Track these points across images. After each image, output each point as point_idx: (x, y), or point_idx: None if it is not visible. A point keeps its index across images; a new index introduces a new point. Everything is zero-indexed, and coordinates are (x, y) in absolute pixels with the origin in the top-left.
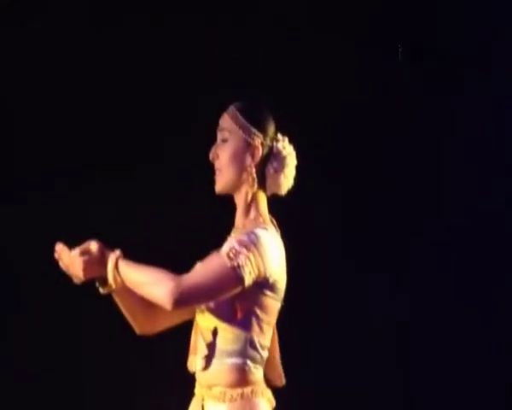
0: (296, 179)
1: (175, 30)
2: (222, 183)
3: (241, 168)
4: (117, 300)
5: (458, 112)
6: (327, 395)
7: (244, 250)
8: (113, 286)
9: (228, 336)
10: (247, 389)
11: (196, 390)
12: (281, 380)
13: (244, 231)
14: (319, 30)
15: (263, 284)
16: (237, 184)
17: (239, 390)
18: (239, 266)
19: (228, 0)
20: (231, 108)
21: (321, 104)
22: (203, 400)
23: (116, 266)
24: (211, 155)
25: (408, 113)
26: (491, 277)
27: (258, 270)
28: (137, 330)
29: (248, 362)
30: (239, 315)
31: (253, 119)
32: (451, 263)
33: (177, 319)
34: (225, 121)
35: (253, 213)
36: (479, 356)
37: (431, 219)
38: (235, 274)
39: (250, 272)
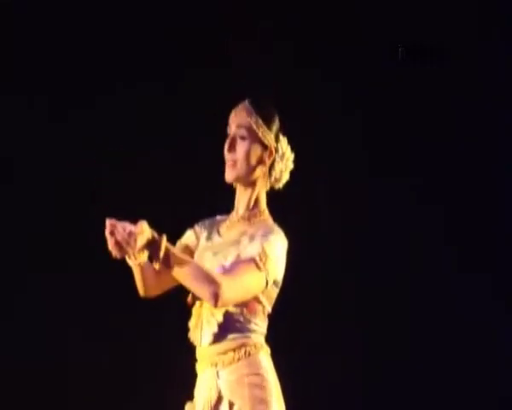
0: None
1: None
2: (236, 175)
3: (256, 167)
4: (136, 270)
5: (458, 111)
6: None
7: (269, 255)
8: (157, 266)
9: (238, 318)
10: (251, 347)
11: (203, 363)
12: None
13: (260, 230)
14: (318, 30)
15: (273, 281)
16: (249, 180)
17: (247, 348)
18: (268, 273)
19: None
20: (249, 107)
21: (320, 104)
22: (216, 366)
23: (166, 252)
24: (228, 147)
25: (407, 112)
26: None
27: (276, 272)
28: (143, 294)
29: (253, 339)
30: (250, 303)
31: (269, 121)
32: None
33: (175, 283)
34: (243, 119)
35: (256, 208)
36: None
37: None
38: (264, 280)
39: (272, 276)
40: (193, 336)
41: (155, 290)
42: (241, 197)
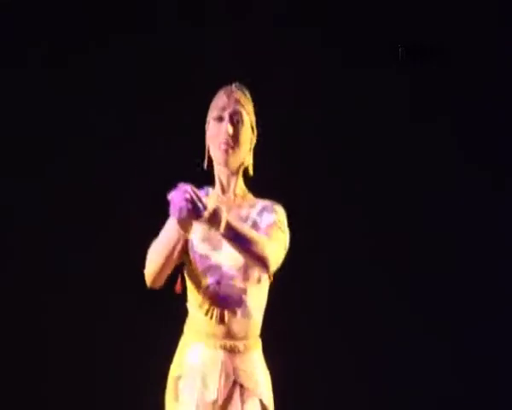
0: None
1: None
2: (237, 161)
3: (248, 150)
4: (179, 243)
5: (458, 111)
6: None
7: (282, 221)
8: (221, 230)
9: (254, 296)
10: (257, 339)
11: (211, 339)
12: None
13: (260, 204)
14: (317, 31)
15: None
16: (242, 164)
17: (253, 340)
18: (286, 236)
19: None
20: (239, 93)
21: (320, 104)
22: (229, 352)
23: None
24: (233, 131)
25: (407, 112)
26: None
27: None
28: (152, 284)
29: (261, 319)
30: (263, 278)
31: (252, 105)
32: None
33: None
34: (241, 105)
35: (242, 189)
36: None
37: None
38: (287, 241)
39: (287, 241)
40: (206, 311)
41: (170, 269)
42: (229, 182)
